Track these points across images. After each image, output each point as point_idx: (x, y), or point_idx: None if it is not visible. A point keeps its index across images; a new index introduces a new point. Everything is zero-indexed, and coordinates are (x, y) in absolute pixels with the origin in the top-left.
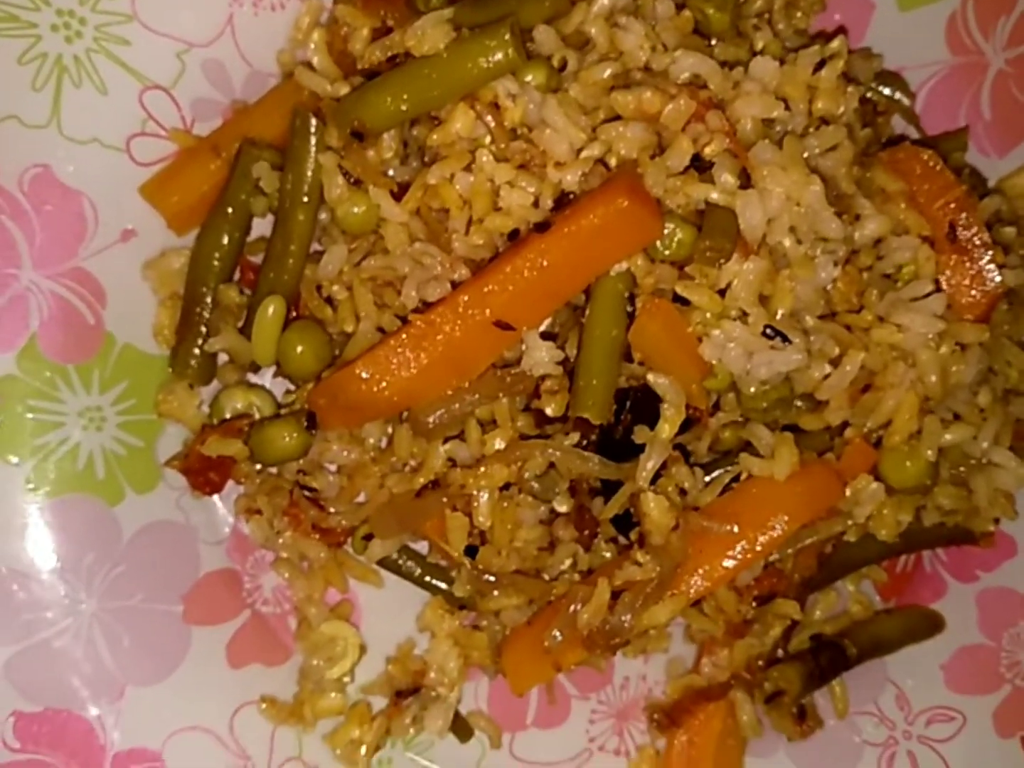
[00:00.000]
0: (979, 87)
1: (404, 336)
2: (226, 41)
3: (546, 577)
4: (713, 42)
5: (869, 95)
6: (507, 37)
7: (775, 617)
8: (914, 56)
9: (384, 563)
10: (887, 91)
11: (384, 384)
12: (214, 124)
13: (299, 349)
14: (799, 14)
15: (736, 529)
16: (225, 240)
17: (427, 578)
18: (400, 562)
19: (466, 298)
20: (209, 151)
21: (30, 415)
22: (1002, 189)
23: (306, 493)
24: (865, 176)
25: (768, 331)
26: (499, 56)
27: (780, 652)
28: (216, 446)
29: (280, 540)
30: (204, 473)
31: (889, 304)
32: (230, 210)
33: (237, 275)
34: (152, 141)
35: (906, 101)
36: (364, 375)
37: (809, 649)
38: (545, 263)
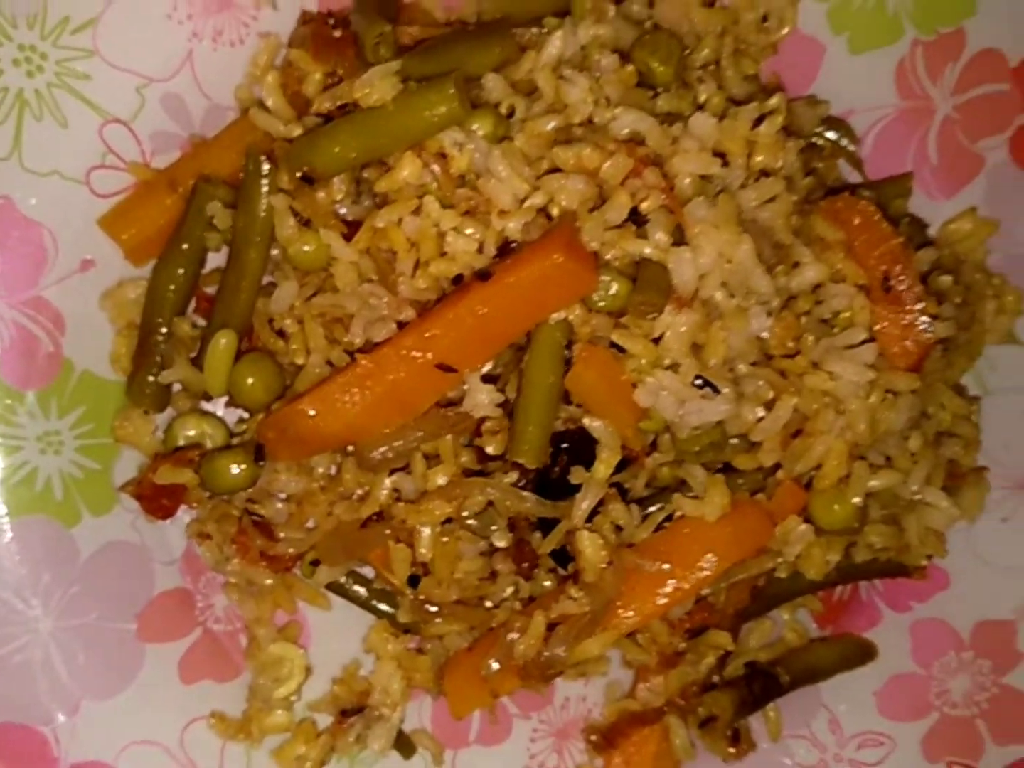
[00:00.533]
0: (926, 131)
1: (350, 375)
2: (185, 75)
3: (488, 604)
4: (659, 91)
5: (815, 140)
6: (451, 91)
7: (709, 647)
8: (863, 99)
9: (331, 587)
10: (832, 136)
11: (330, 420)
12: (173, 156)
13: (250, 381)
14: (747, 60)
15: (667, 567)
16: (180, 273)
17: (373, 602)
18: (347, 586)
19: (410, 341)
20: (166, 186)
21: None
22: (942, 235)
23: (255, 519)
24: (805, 224)
25: (698, 382)
26: (443, 109)
27: (715, 678)
28: (167, 475)
29: (228, 566)
30: (156, 499)
31: (824, 350)
32: (185, 245)
33: (193, 305)
34: (112, 173)
35: (851, 147)
36: (311, 412)
37: (743, 676)
38: (485, 311)
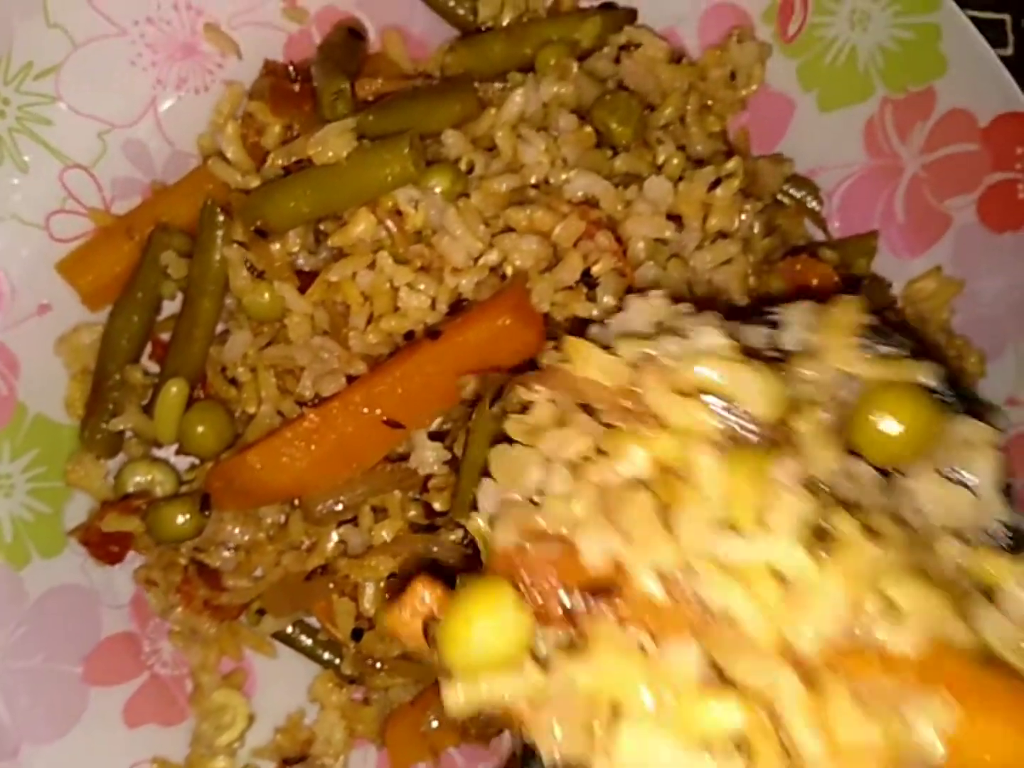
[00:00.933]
0: (894, 190)
1: (296, 429)
2: (148, 122)
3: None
4: (618, 151)
5: (780, 198)
6: (405, 151)
7: None
8: (832, 156)
9: (278, 636)
10: (797, 194)
11: (276, 473)
12: (135, 202)
13: (200, 429)
14: (713, 117)
15: None
16: (135, 320)
17: (318, 652)
18: (293, 635)
19: (358, 396)
20: (123, 233)
21: None
22: (907, 294)
23: (202, 567)
24: (763, 284)
25: None
26: (397, 168)
27: None
28: (114, 523)
29: (172, 614)
30: (104, 546)
31: None
32: (140, 293)
33: (149, 351)
34: (72, 218)
35: (815, 205)
36: (257, 465)
37: None
38: (433, 369)
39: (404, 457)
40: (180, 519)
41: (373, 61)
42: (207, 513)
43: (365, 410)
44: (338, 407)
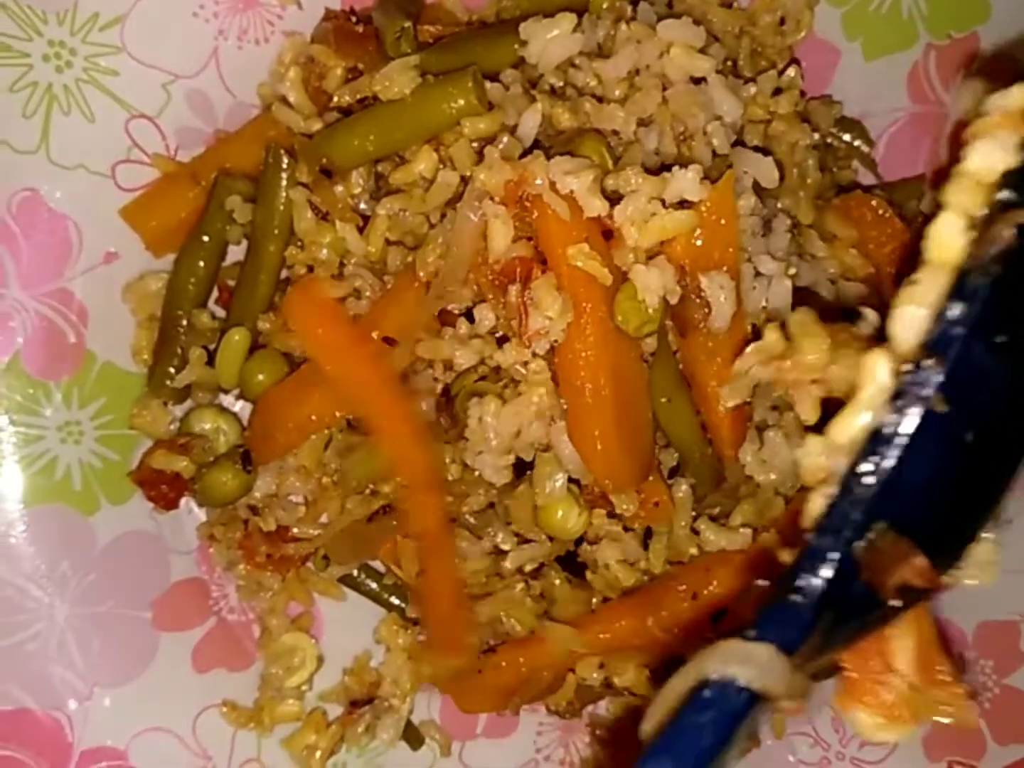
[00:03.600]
0: (938, 135)
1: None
2: (211, 73)
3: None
4: None
5: (829, 140)
6: (469, 85)
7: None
8: (876, 103)
9: (344, 580)
10: (847, 137)
11: (298, 407)
12: (197, 152)
13: (260, 377)
14: (764, 63)
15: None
16: (200, 266)
17: (384, 596)
18: (359, 580)
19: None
20: (188, 178)
21: (11, 428)
22: None
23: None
24: (818, 220)
25: None
26: (461, 102)
27: None
28: (161, 460)
29: (235, 570)
30: (156, 486)
31: None
32: (205, 238)
33: (215, 296)
34: (137, 168)
35: (865, 148)
36: (280, 401)
37: None
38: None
39: None
40: (227, 481)
41: (429, 10)
42: (249, 470)
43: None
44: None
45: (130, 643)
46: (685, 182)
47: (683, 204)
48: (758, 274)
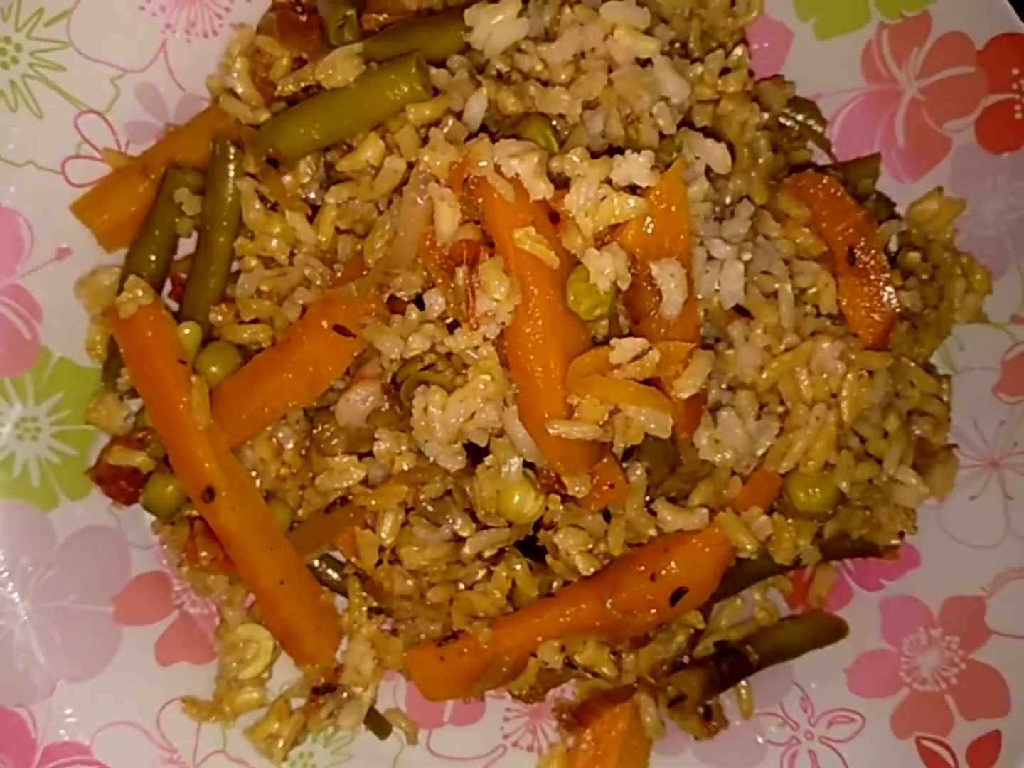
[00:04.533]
0: (893, 114)
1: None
2: (159, 66)
3: (461, 587)
4: None
5: (783, 121)
6: (413, 71)
7: (679, 626)
8: (831, 83)
9: (308, 568)
10: (800, 117)
11: (244, 403)
12: (148, 146)
13: (213, 369)
14: (714, 44)
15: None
16: (152, 259)
17: (345, 584)
18: (319, 569)
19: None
20: (138, 172)
21: None
22: (910, 216)
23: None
24: (771, 200)
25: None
26: (405, 89)
27: (685, 657)
28: (119, 455)
29: (180, 573)
30: (115, 482)
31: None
32: (156, 231)
33: (168, 290)
34: (87, 163)
35: (818, 128)
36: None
37: (712, 655)
38: None
39: None
40: (165, 491)
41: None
42: None
43: (324, 323)
44: (298, 324)
45: (92, 637)
46: (635, 167)
47: (633, 188)
48: (710, 258)
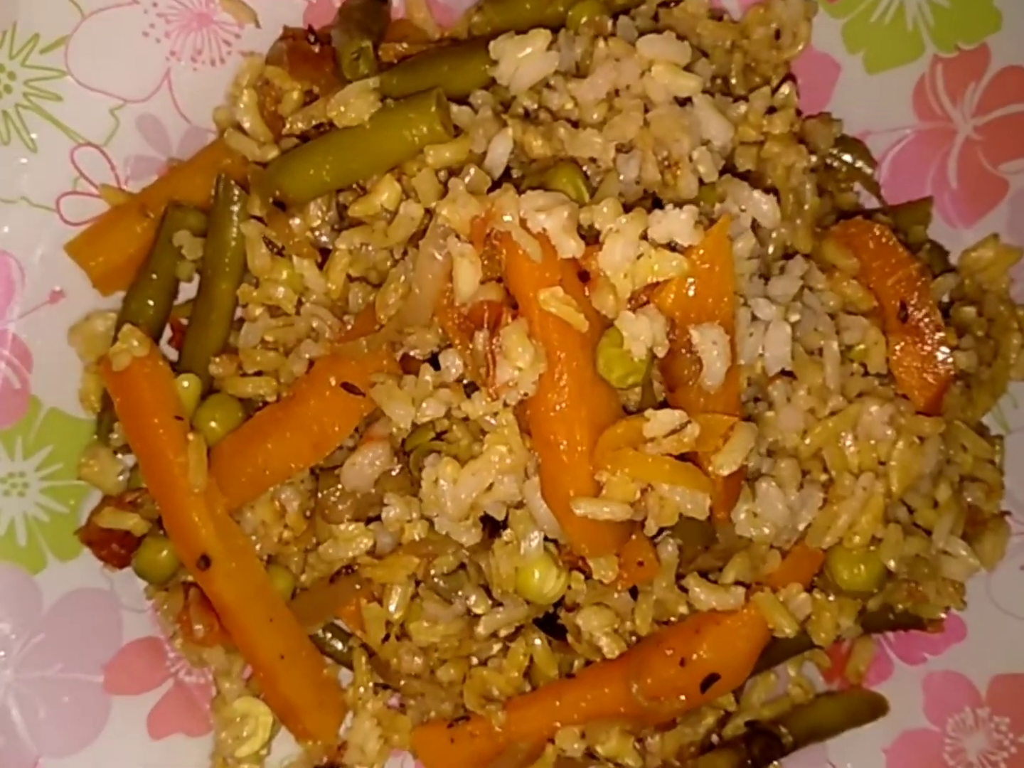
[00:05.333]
0: (946, 154)
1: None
2: (163, 96)
3: (475, 661)
4: None
5: (829, 161)
6: (432, 110)
7: (709, 707)
8: (879, 120)
9: (311, 639)
10: (848, 158)
11: (245, 462)
12: (149, 182)
13: (212, 424)
14: (758, 79)
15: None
16: (150, 304)
17: (351, 657)
18: (324, 639)
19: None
20: (137, 211)
21: None
22: (963, 264)
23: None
24: (816, 249)
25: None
26: (424, 129)
27: (714, 737)
28: (110, 518)
29: (173, 644)
30: (107, 545)
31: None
32: (154, 276)
33: (168, 336)
34: (83, 200)
35: (867, 169)
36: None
37: (742, 736)
38: None
39: None
40: (159, 556)
41: (397, 27)
42: None
43: (332, 380)
44: (304, 380)
45: (80, 709)
46: (676, 223)
47: (671, 244)
48: (754, 318)
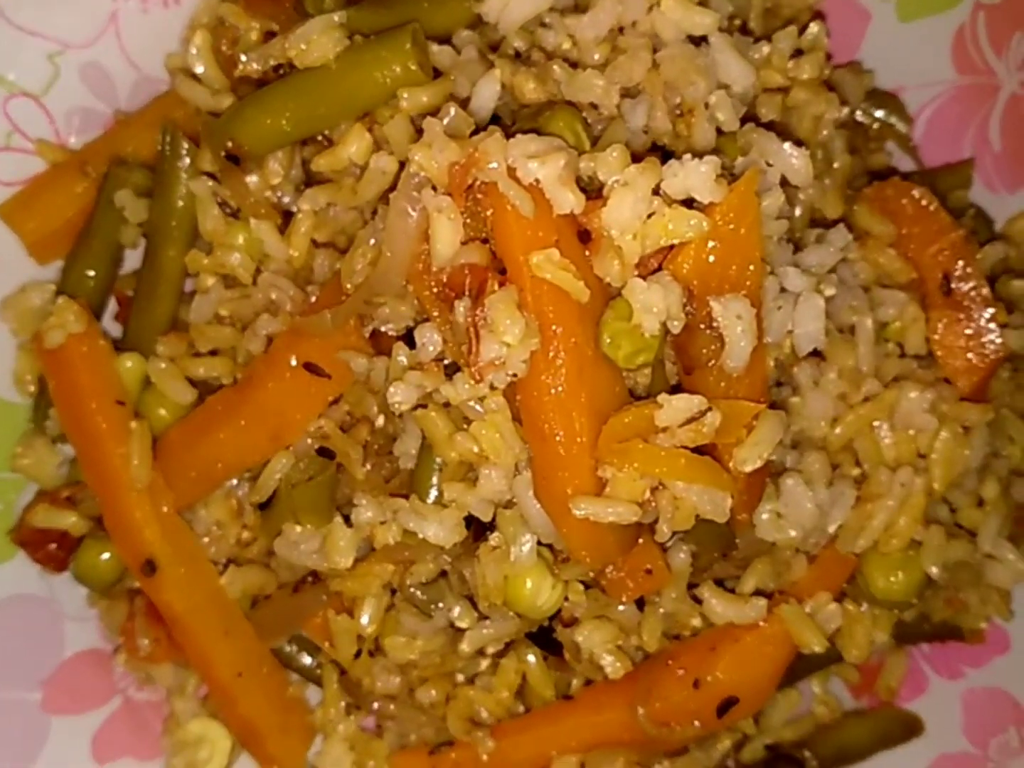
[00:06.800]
0: (988, 112)
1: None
2: (109, 42)
3: (459, 678)
4: None
5: (859, 117)
6: (407, 47)
7: (723, 729)
8: (914, 75)
9: (274, 653)
10: (880, 114)
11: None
12: (93, 138)
13: (160, 412)
14: (779, 23)
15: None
16: (91, 275)
17: (319, 673)
18: (290, 653)
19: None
20: (76, 169)
21: None
22: (1010, 232)
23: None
24: (848, 213)
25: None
26: (397, 69)
27: (730, 761)
28: (45, 517)
29: (117, 659)
30: (42, 546)
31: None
32: (95, 243)
33: (115, 310)
34: (18, 157)
35: (902, 126)
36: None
37: (762, 761)
38: None
39: None
40: (98, 561)
41: None
42: None
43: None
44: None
45: (14, 731)
46: (696, 177)
47: (687, 202)
48: (783, 290)
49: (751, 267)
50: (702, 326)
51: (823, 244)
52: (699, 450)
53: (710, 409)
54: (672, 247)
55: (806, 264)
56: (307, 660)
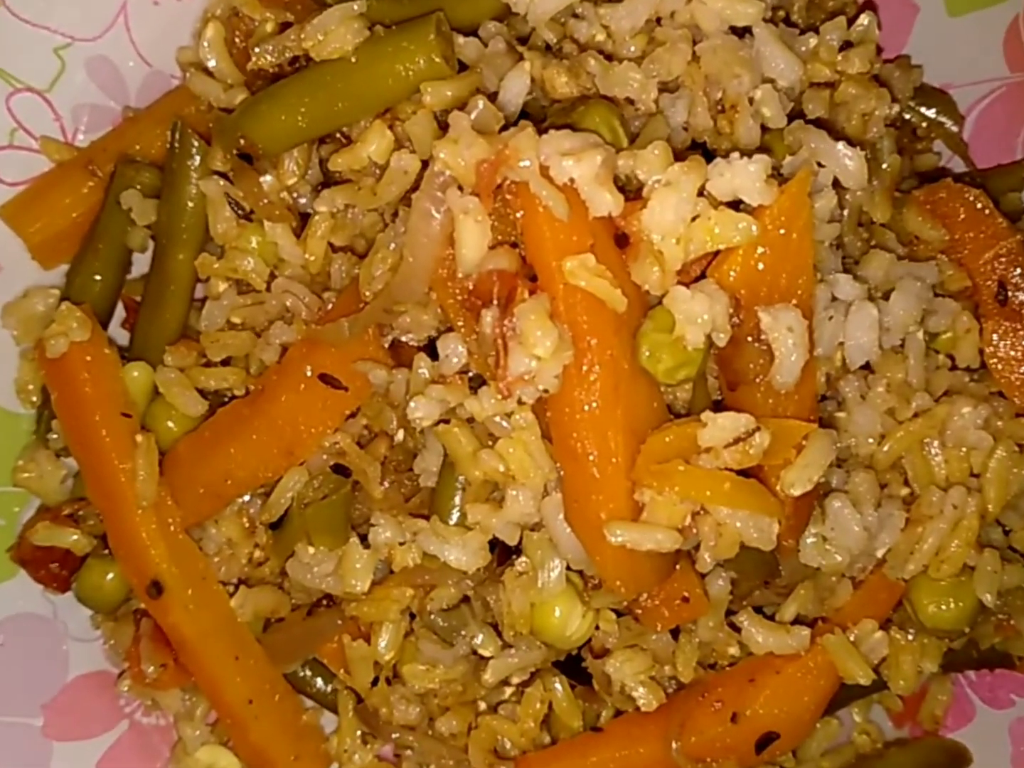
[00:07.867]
0: None
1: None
2: (117, 35)
3: (483, 706)
4: None
5: (906, 115)
6: (431, 38)
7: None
8: (963, 71)
9: (288, 678)
10: (929, 112)
11: (204, 470)
12: (101, 135)
13: (168, 424)
14: (822, 15)
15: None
16: (97, 279)
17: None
18: (304, 678)
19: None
20: (83, 169)
21: None
22: None
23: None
24: (896, 217)
25: None
26: (420, 62)
27: None
28: (46, 535)
29: (122, 684)
30: (44, 565)
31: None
32: (101, 246)
33: (122, 316)
34: (21, 155)
35: (952, 125)
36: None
37: None
38: None
39: None
40: (103, 582)
41: None
42: None
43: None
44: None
45: (14, 758)
46: (745, 177)
47: (734, 204)
48: (833, 299)
49: (803, 276)
50: (749, 338)
51: (877, 254)
52: (743, 472)
53: (758, 429)
54: (717, 253)
55: (863, 274)
56: (322, 685)
